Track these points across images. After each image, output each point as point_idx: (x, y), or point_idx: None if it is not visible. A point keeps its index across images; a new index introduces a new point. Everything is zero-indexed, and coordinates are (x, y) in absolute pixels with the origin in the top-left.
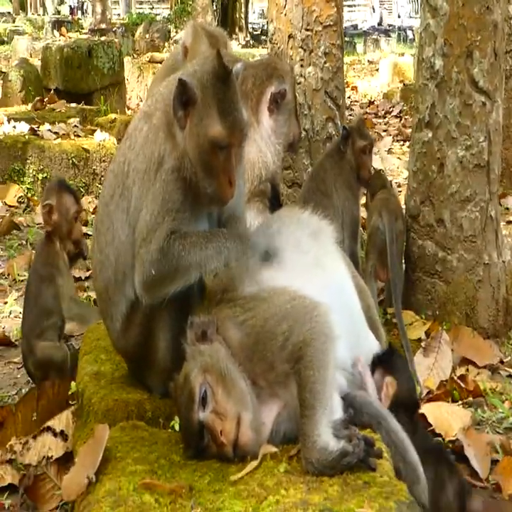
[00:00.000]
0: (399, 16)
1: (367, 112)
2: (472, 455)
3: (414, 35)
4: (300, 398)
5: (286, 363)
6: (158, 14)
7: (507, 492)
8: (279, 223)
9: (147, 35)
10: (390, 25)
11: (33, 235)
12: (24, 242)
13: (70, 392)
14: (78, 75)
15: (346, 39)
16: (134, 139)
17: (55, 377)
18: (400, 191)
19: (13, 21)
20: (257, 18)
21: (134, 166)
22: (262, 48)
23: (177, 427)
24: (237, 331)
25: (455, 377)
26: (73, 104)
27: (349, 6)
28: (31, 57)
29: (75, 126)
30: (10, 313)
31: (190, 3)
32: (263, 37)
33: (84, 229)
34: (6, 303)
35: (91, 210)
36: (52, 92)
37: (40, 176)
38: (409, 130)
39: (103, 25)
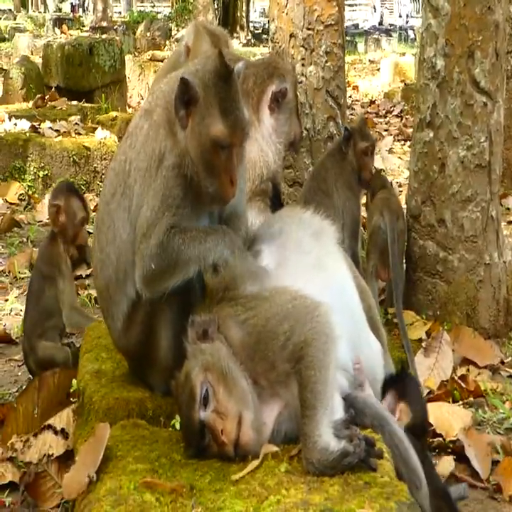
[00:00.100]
0: (400, 16)
1: (368, 112)
2: (473, 455)
3: (415, 34)
4: (301, 398)
5: (287, 362)
6: (160, 12)
7: (507, 493)
8: (281, 223)
9: (148, 33)
10: (391, 25)
11: (34, 232)
12: (25, 240)
13: (71, 390)
14: (79, 72)
15: (347, 38)
16: (135, 137)
17: None
18: (401, 191)
19: (14, 18)
20: (258, 16)
21: (135, 164)
22: (263, 46)
23: (178, 426)
24: (238, 329)
25: (456, 378)
26: (74, 102)
27: (350, 5)
28: (32, 54)
29: (76, 123)
30: (11, 310)
31: (192, 1)
32: (264, 35)
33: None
34: (6, 300)
35: (92, 208)
36: (53, 89)
37: (40, 174)
38: (410, 130)
39: (104, 23)
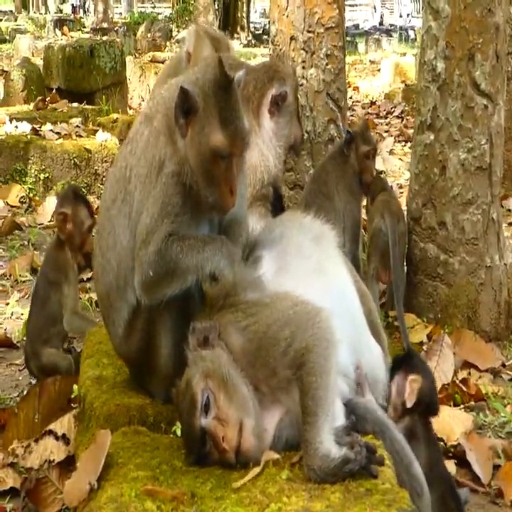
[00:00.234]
0: (400, 16)
1: (368, 113)
2: (474, 460)
3: (415, 34)
4: (302, 404)
5: (289, 369)
6: (160, 13)
7: (509, 497)
8: (282, 228)
9: (149, 35)
10: (391, 25)
11: (35, 235)
12: (26, 243)
13: (72, 396)
14: (80, 74)
15: (348, 39)
16: (135, 143)
17: None
18: (402, 193)
19: (15, 20)
20: (259, 17)
21: (135, 171)
22: (264, 47)
23: (179, 432)
24: (239, 336)
25: (457, 381)
26: (75, 104)
27: (351, 5)
28: (33, 56)
29: (77, 126)
30: (12, 314)
31: (192, 2)
32: (265, 36)
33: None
34: (7, 304)
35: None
36: (54, 91)
37: (41, 176)
38: (411, 131)
39: (105, 24)
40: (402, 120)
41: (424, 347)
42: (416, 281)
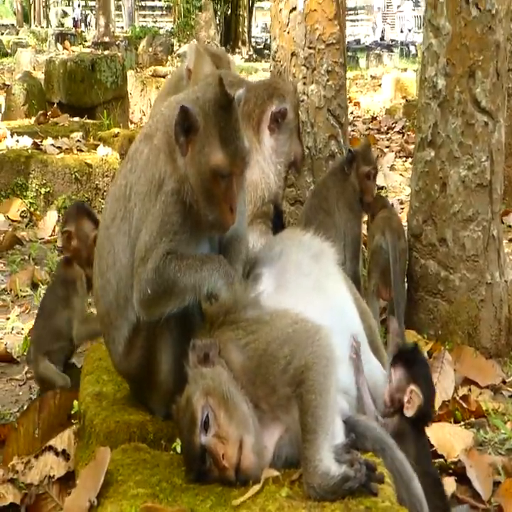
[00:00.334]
0: (401, 31)
1: (369, 128)
2: (474, 477)
3: (416, 50)
4: (302, 422)
5: (288, 386)
6: (162, 27)
7: None
8: (281, 245)
9: (150, 49)
10: (392, 40)
11: (36, 249)
12: (26, 258)
13: (72, 412)
14: (81, 88)
15: (349, 54)
16: (135, 161)
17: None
18: (403, 208)
19: (17, 33)
20: (260, 31)
21: (135, 189)
22: (265, 61)
23: (179, 449)
24: (239, 353)
25: (457, 398)
26: (76, 118)
27: (352, 20)
28: (34, 69)
29: (78, 140)
30: (12, 329)
31: (194, 17)
32: (266, 51)
33: None
34: (8, 319)
35: None
36: (55, 105)
37: (42, 191)
38: (412, 146)
39: (106, 39)
40: (403, 136)
41: None
42: (416, 298)
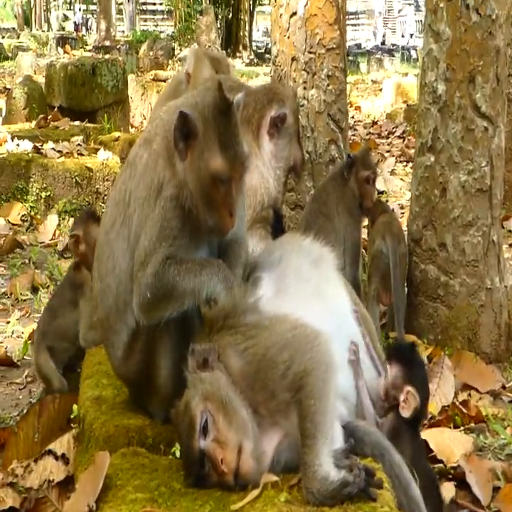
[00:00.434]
0: (403, 36)
1: (370, 132)
2: (474, 482)
3: (417, 55)
4: (301, 427)
5: (287, 392)
6: (163, 32)
7: None
8: (281, 250)
9: (151, 53)
10: (393, 45)
11: (36, 253)
12: (27, 261)
13: (71, 416)
14: (82, 92)
15: (350, 58)
16: (134, 166)
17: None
18: (403, 213)
19: (18, 37)
20: (261, 36)
21: (134, 194)
22: (266, 66)
23: (178, 454)
24: (238, 358)
25: (457, 403)
26: (77, 122)
27: (353, 25)
28: (35, 73)
29: (79, 144)
30: (12, 333)
31: (194, 21)
32: (267, 55)
33: None
34: (8, 322)
35: None
36: (56, 109)
37: (43, 195)
38: (413, 151)
39: (107, 43)
40: (404, 140)
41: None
42: (416, 303)
